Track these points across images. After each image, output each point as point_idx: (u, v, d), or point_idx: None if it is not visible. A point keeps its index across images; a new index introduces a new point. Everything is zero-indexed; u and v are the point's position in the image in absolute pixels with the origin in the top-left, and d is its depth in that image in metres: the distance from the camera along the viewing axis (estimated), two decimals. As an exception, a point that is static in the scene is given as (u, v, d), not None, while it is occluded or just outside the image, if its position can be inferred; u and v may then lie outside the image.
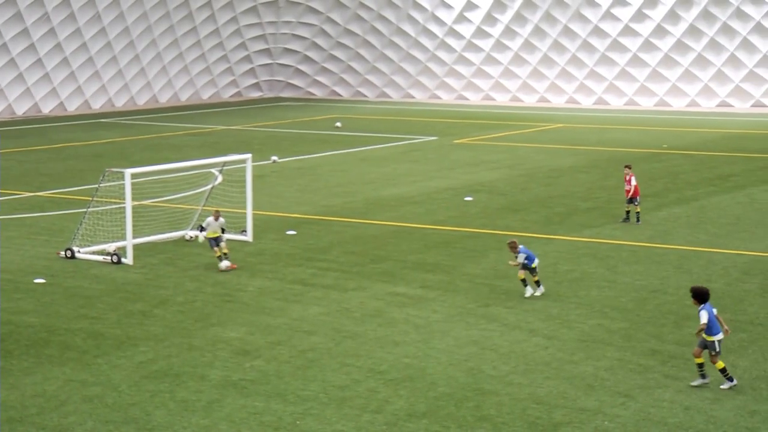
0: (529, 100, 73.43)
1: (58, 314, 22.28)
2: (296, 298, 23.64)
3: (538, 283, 23.77)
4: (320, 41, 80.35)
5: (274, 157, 45.50)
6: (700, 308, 17.54)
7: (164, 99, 76.84)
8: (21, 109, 68.58)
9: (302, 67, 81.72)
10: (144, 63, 74.31)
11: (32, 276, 25.56)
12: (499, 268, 26.51)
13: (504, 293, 24.00)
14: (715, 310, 17.56)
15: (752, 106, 66.12)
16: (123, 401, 17.09)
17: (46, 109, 69.97)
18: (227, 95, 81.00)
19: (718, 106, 67.23)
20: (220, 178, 33.81)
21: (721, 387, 17.40)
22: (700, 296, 17.51)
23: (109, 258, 27.16)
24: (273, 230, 31.01)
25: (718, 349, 17.34)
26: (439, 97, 77.13)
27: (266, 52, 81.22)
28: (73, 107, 71.14)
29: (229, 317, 22.03)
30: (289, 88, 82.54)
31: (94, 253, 27.75)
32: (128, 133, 58.05)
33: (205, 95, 79.61)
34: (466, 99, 75.92)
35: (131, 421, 16.28)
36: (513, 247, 23.69)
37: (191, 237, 29.85)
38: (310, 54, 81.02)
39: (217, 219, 26.86)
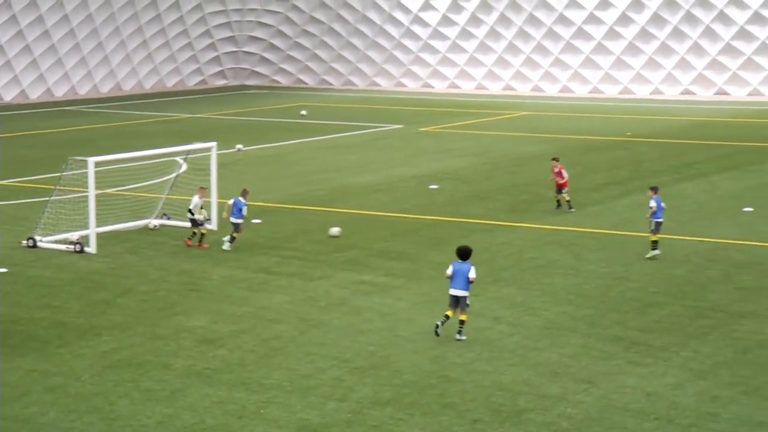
0: (495, 88, 73.56)
1: (20, 304, 22.10)
2: (261, 286, 23.57)
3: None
4: (285, 29, 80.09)
5: (239, 146, 45.34)
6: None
7: (128, 87, 76.32)
8: (-17, 97, 67.97)
9: (267, 55, 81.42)
10: (107, 50, 73.76)
11: (-6, 265, 25.34)
12: (464, 255, 26.53)
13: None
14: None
15: (715, 93, 66.57)
16: (86, 391, 16.98)
17: (8, 96, 69.31)
18: (192, 83, 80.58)
19: (681, 93, 67.64)
20: (184, 167, 33.63)
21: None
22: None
23: (72, 247, 26.96)
24: (238, 219, 30.89)
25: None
26: (405, 85, 77.10)
27: (231, 39, 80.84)
28: (35, 95, 70.51)
29: (193, 306, 21.93)
30: (254, 75, 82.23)
31: (56, 242, 27.53)
32: (92, 121, 57.62)
33: (170, 83, 79.16)
34: (432, 87, 75.95)
35: (94, 410, 16.18)
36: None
37: (155, 226, 29.69)
38: (275, 42, 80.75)
39: (201, 198, 27.71)
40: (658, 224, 26.12)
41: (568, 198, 31.82)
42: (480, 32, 73.23)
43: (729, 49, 65.51)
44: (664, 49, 67.51)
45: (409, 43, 76.16)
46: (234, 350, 19.00)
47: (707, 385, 17.19)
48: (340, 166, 41.22)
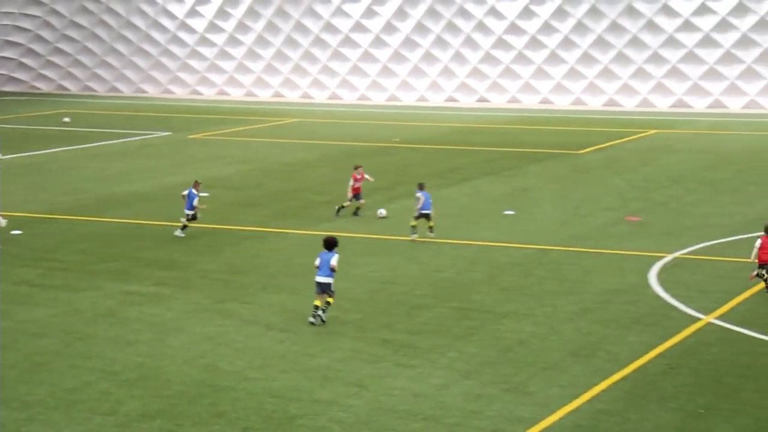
0: (264, 95, 73.54)
1: None
2: (23, 300, 22.74)
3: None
4: (45, 34, 77.50)
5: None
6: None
7: None
8: None
9: (26, 60, 78.60)
10: None
11: None
12: (235, 263, 26.43)
13: (240, 288, 23.94)
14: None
15: (477, 101, 68.64)
16: None
17: None
18: (-54, 89, 76.89)
19: (446, 100, 69.38)
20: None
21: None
22: None
23: None
24: (-3, 230, 29.69)
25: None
26: (173, 92, 76.04)
27: (-12, 44, 77.65)
28: None
29: (-51, 323, 20.93)
30: (12, 81, 79.21)
31: None
32: None
33: None
34: (201, 94, 75.19)
35: None
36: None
37: None
38: (33, 47, 78.02)
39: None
40: (426, 215, 28.73)
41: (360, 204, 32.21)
42: (248, 39, 73.04)
43: (489, 58, 67.72)
44: (428, 57, 69.17)
45: (176, 49, 75.17)
46: (-6, 367, 18.26)
47: (472, 384, 17.73)
48: (107, 175, 40.26)
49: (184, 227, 29.42)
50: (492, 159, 44.35)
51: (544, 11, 65.44)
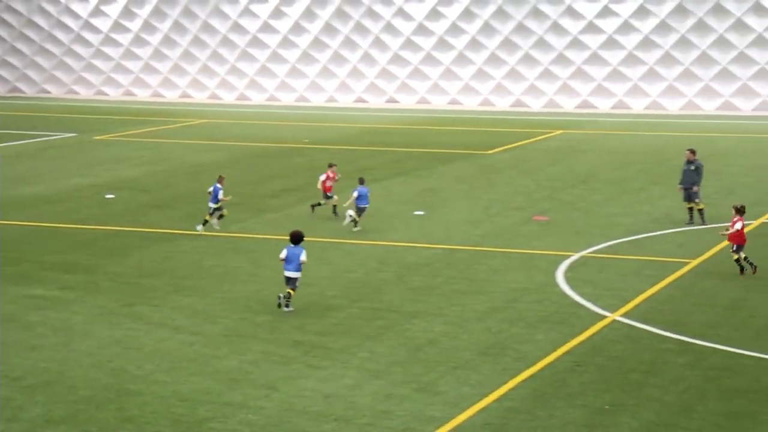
0: (171, 96, 72.82)
1: None
2: (-77, 305, 22.20)
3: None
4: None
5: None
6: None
7: None
8: None
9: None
10: None
11: None
12: (144, 265, 26.15)
13: (149, 291, 23.70)
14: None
15: (386, 102, 68.86)
16: None
17: None
18: None
19: (355, 101, 69.43)
20: None
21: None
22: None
23: None
24: None
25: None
26: (77, 93, 74.89)
27: None
28: None
29: None
30: None
31: None
32: None
33: None
34: (106, 94, 74.18)
35: None
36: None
37: None
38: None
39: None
40: (362, 209, 30.15)
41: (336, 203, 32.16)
42: (155, 39, 72.25)
43: (397, 59, 67.94)
44: (337, 57, 69.15)
45: (79, 49, 74.03)
46: None
47: (383, 384, 17.79)
48: (8, 177, 39.48)
49: (205, 222, 29.92)
50: (401, 159, 44.52)
51: (452, 12, 65.90)
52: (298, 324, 21.22)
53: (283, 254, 22.11)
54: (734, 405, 16.84)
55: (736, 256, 24.97)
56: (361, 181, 30.86)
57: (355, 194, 30.25)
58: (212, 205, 30.00)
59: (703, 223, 30.43)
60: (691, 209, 30.78)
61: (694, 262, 26.11)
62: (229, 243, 28.73)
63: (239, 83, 71.62)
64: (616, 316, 21.71)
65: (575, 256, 26.91)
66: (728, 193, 35.18)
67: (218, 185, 30.08)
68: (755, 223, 30.58)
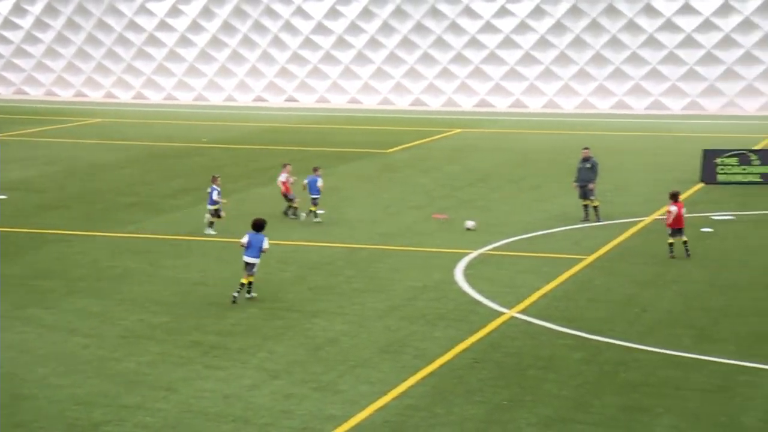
0: (65, 95, 71.49)
1: None
2: None
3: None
4: None
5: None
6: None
7: None
8: None
9: None
10: None
11: None
12: (37, 267, 25.64)
13: (42, 293, 23.25)
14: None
15: (286, 100, 68.61)
16: None
17: None
18: None
19: (254, 100, 69.04)
20: None
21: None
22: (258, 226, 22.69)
23: None
24: None
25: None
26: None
27: None
28: None
29: None
30: None
31: None
32: None
33: None
34: (-1, 93, 72.60)
35: None
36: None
37: None
38: None
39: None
40: (312, 199, 31.07)
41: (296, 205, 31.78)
42: (48, 36, 70.91)
43: (297, 58, 67.73)
44: (236, 56, 68.65)
45: (-6, 47, 72.31)
46: None
47: (282, 384, 17.71)
48: None
49: (211, 224, 29.57)
50: (302, 159, 44.37)
51: (351, 12, 65.93)
52: (196, 324, 21.02)
53: (245, 240, 22.55)
54: (629, 399, 17.15)
55: (672, 240, 26.29)
56: (314, 170, 31.67)
57: (306, 182, 31.26)
58: (209, 206, 29.62)
59: (598, 220, 30.95)
60: (586, 206, 31.28)
61: (589, 259, 26.55)
62: (127, 244, 28.32)
63: (136, 82, 70.68)
64: (514, 312, 21.95)
65: (474, 254, 27.14)
66: (622, 191, 35.86)
67: (214, 186, 29.66)
68: (648, 219, 31.22)
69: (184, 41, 69.15)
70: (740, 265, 26.09)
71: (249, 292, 22.60)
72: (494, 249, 27.80)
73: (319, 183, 31.32)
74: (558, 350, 19.60)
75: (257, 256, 22.54)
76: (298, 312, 22.03)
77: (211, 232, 29.40)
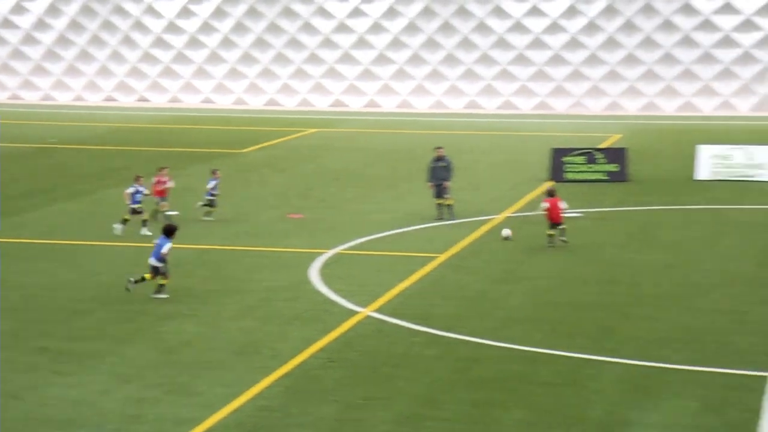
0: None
1: None
2: None
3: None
4: None
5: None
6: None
7: None
8: None
9: None
10: None
11: None
12: None
13: None
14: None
15: (137, 100, 67.33)
16: None
17: None
18: None
19: (105, 100, 67.52)
20: None
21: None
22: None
23: None
24: None
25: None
26: None
27: None
28: None
29: None
30: None
31: None
32: None
33: None
34: None
35: None
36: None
37: None
38: None
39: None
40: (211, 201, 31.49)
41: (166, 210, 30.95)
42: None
43: (148, 57, 66.45)
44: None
45: None
46: None
47: (133, 388, 17.40)
48: None
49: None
50: (153, 159, 43.62)
51: (203, 11, 65.16)
52: (43, 330, 20.49)
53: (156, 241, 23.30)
54: (481, 394, 17.41)
55: (550, 232, 27.54)
56: (214, 172, 32.05)
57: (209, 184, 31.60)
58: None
59: (452, 218, 31.36)
60: (440, 205, 31.66)
61: (442, 257, 26.87)
62: (-28, 248, 27.43)
63: (43, 83, 67.95)
64: (369, 311, 22.06)
65: (329, 253, 27.18)
66: (475, 189, 36.41)
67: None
68: (500, 216, 31.77)
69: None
70: (587, 260, 26.80)
71: (159, 291, 22.79)
72: (349, 248, 27.88)
73: (210, 185, 31.64)
74: (411, 348, 19.78)
75: (156, 260, 22.82)
76: (149, 315, 21.69)
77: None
